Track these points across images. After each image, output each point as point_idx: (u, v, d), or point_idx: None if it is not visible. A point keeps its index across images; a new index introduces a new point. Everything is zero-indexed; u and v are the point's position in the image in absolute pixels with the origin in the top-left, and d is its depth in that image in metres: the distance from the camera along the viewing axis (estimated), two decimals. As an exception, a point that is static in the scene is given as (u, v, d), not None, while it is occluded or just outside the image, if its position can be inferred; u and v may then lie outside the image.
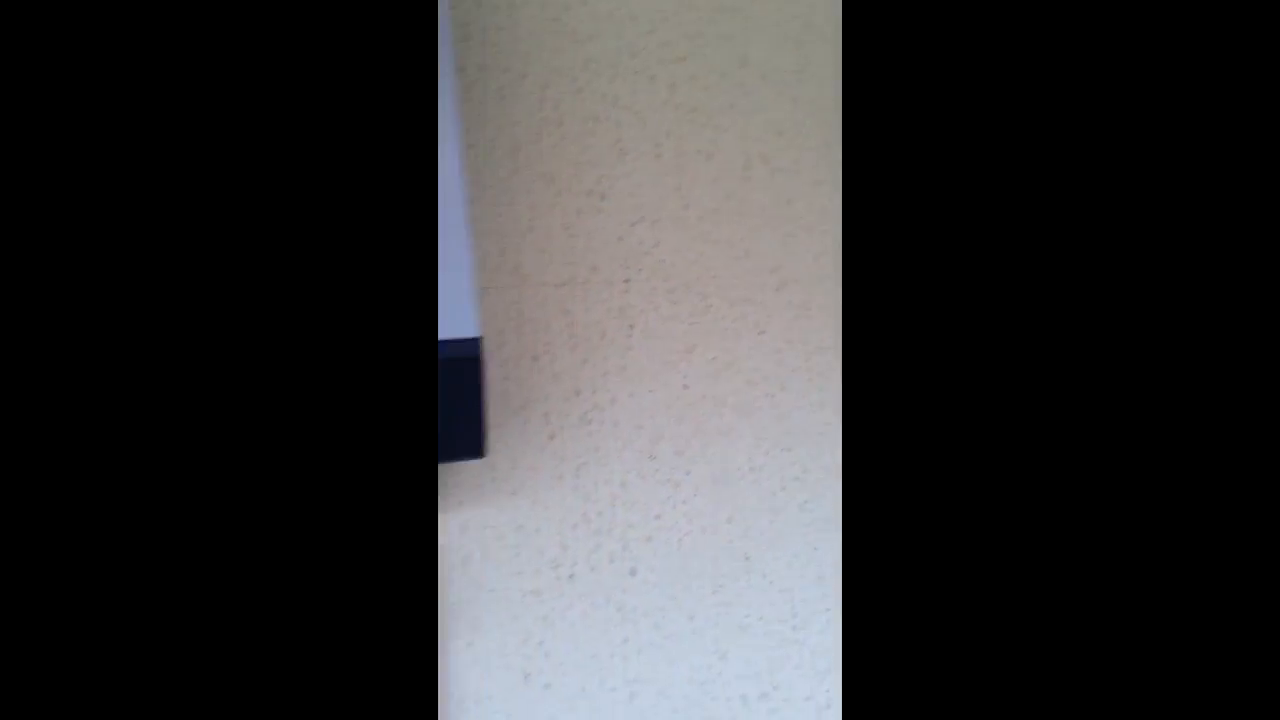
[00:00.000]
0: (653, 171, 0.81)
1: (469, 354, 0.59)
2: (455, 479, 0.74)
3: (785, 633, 0.83)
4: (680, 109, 0.82)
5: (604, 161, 0.80)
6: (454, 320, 0.59)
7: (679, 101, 0.82)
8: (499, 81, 0.76)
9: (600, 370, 0.79)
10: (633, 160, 0.80)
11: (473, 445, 0.59)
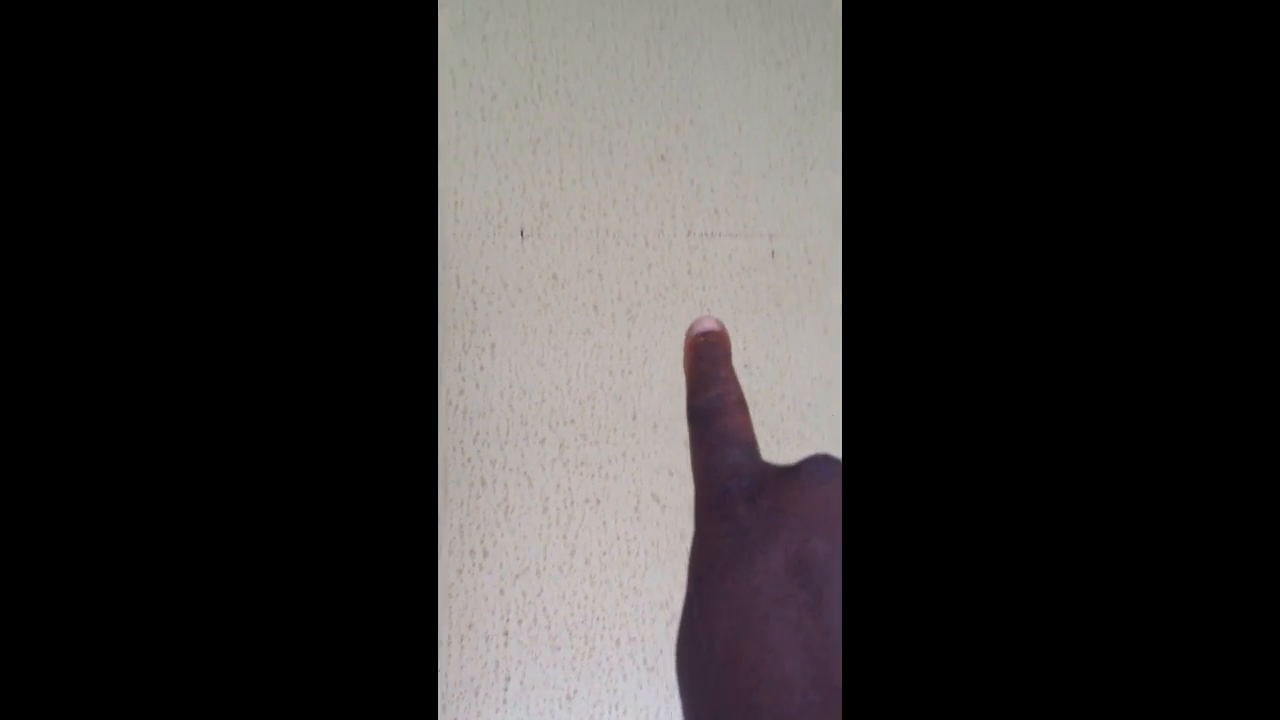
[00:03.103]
0: (538, 524, 0.86)
1: None
2: None
3: None
4: (569, 464, 0.89)
5: (489, 520, 0.86)
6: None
7: (568, 458, 0.90)
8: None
9: (473, 726, 0.78)
10: (518, 516, 0.86)
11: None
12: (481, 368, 0.92)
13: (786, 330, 1.01)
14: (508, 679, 0.79)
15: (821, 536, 0.22)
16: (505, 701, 0.78)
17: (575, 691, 0.80)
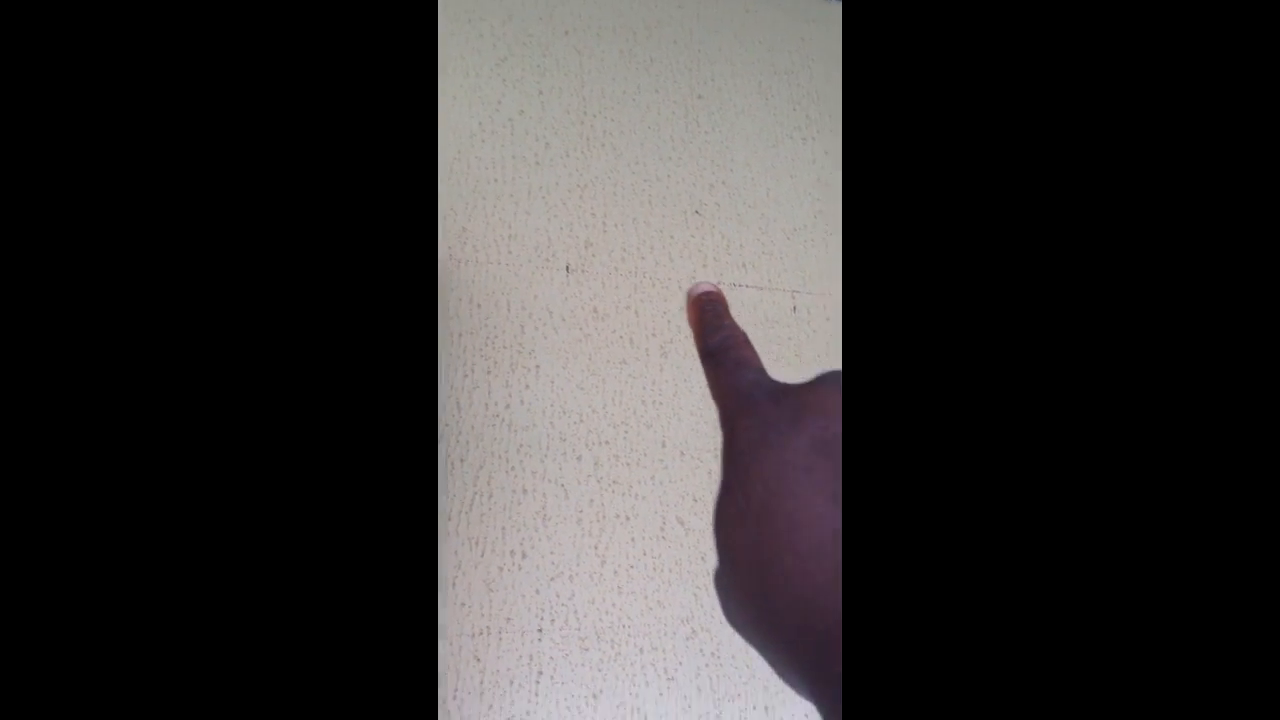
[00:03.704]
0: (573, 534, 0.93)
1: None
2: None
3: None
4: (603, 481, 0.96)
5: (529, 525, 0.92)
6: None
7: (601, 475, 0.96)
8: (440, 466, 0.94)
9: (506, 716, 0.82)
10: (555, 524, 0.93)
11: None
12: (527, 386, 0.99)
13: (806, 380, 1.10)
14: (539, 673, 0.85)
15: (840, 422, 0.24)
16: (537, 694, 0.84)
17: (600, 692, 0.85)
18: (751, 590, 0.24)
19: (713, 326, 0.31)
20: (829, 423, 0.24)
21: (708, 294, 0.32)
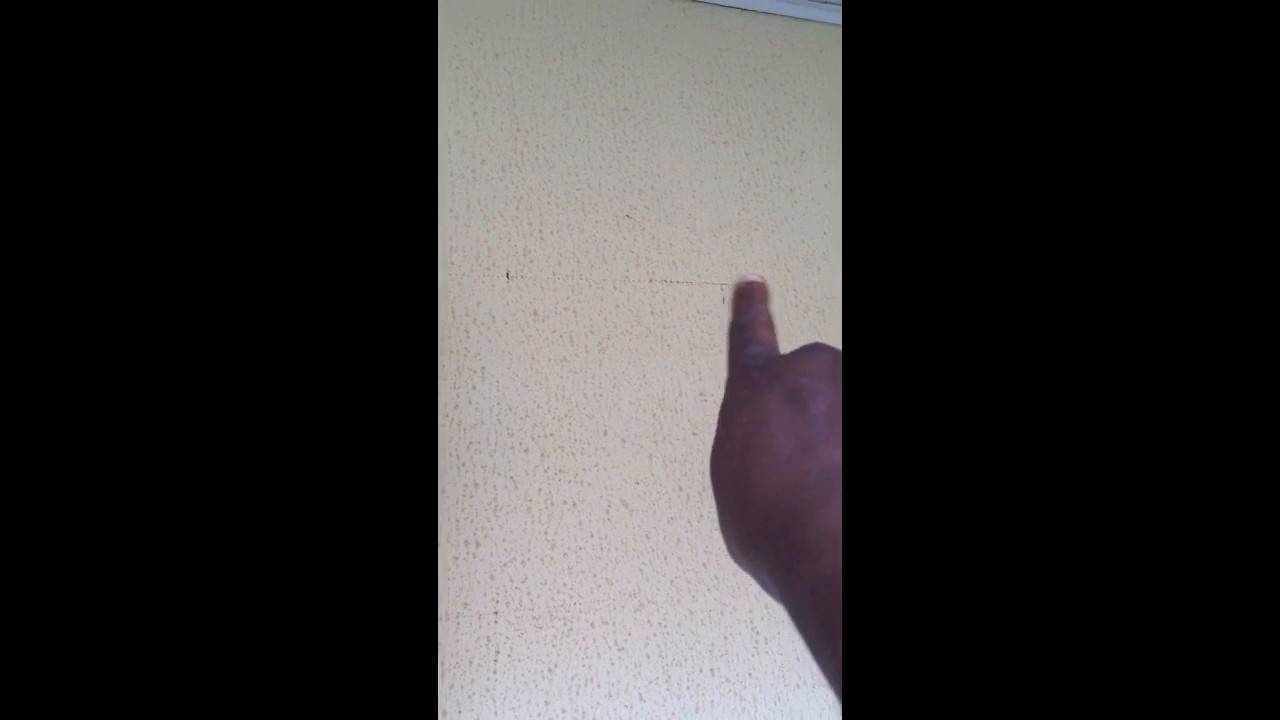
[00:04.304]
0: (523, 521, 0.98)
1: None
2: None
3: None
4: (549, 471, 1.02)
5: (481, 516, 0.98)
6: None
7: (548, 466, 1.02)
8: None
9: (467, 693, 0.87)
10: (506, 514, 0.98)
11: None
12: (474, 387, 1.05)
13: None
14: (497, 652, 0.90)
15: (809, 377, 0.29)
16: (495, 672, 0.89)
17: (555, 666, 0.91)
18: (734, 511, 0.29)
19: (744, 308, 0.35)
20: (799, 375, 0.29)
21: (750, 283, 0.36)
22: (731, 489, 0.29)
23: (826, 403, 0.28)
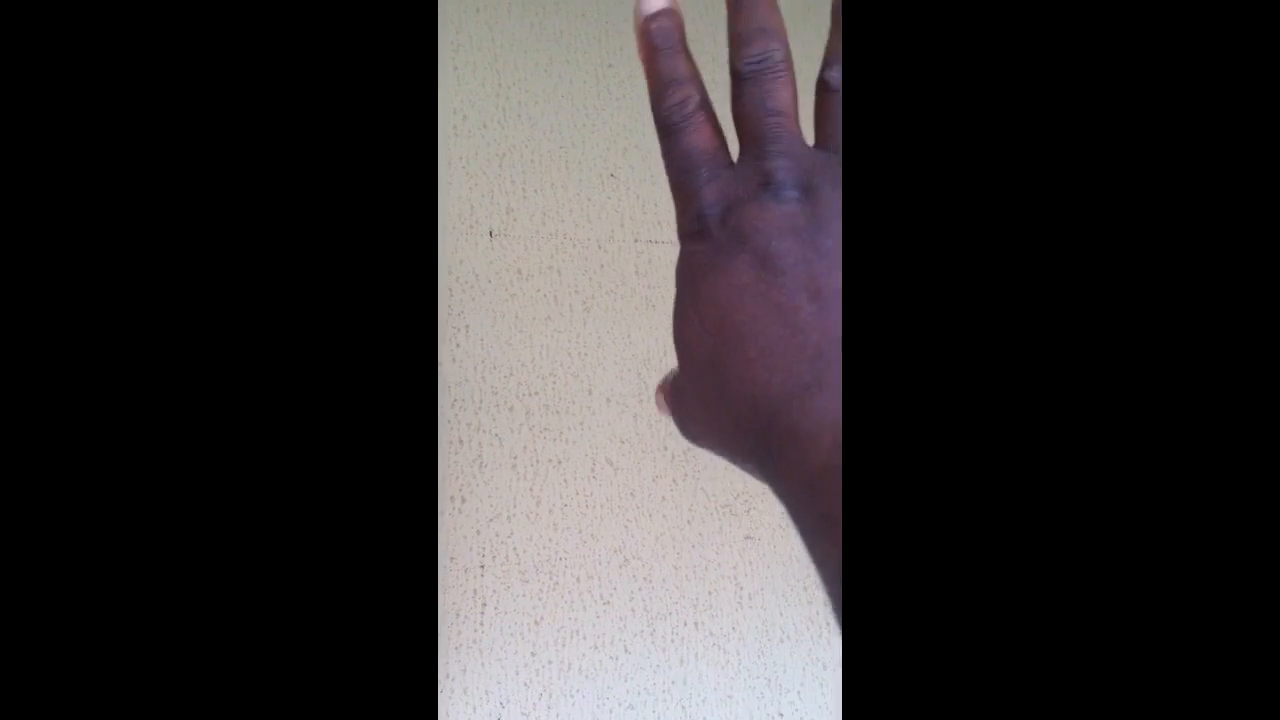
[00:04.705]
0: (509, 478, 0.98)
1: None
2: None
3: None
4: (534, 429, 1.02)
5: (466, 473, 0.98)
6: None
7: (533, 424, 1.02)
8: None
9: (454, 644, 0.88)
10: (491, 470, 0.98)
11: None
12: (458, 345, 1.04)
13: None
14: (484, 605, 0.91)
15: (779, 238, 0.25)
16: (482, 624, 0.90)
17: (541, 619, 0.92)
18: (709, 394, 0.26)
19: (664, 82, 0.28)
20: (769, 239, 0.25)
21: (657, 16, 0.28)
22: (708, 371, 0.26)
23: (796, 268, 0.25)
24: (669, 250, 1.20)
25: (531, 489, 0.99)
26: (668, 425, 0.99)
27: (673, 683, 0.93)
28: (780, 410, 0.23)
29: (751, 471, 0.26)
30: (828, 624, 1.00)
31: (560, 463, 1.01)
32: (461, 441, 0.99)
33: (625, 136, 1.27)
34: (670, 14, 0.28)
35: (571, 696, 0.89)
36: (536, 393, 1.05)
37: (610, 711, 0.90)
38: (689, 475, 1.04)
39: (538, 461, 1.00)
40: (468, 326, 1.06)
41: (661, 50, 0.28)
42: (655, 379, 1.08)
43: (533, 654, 0.90)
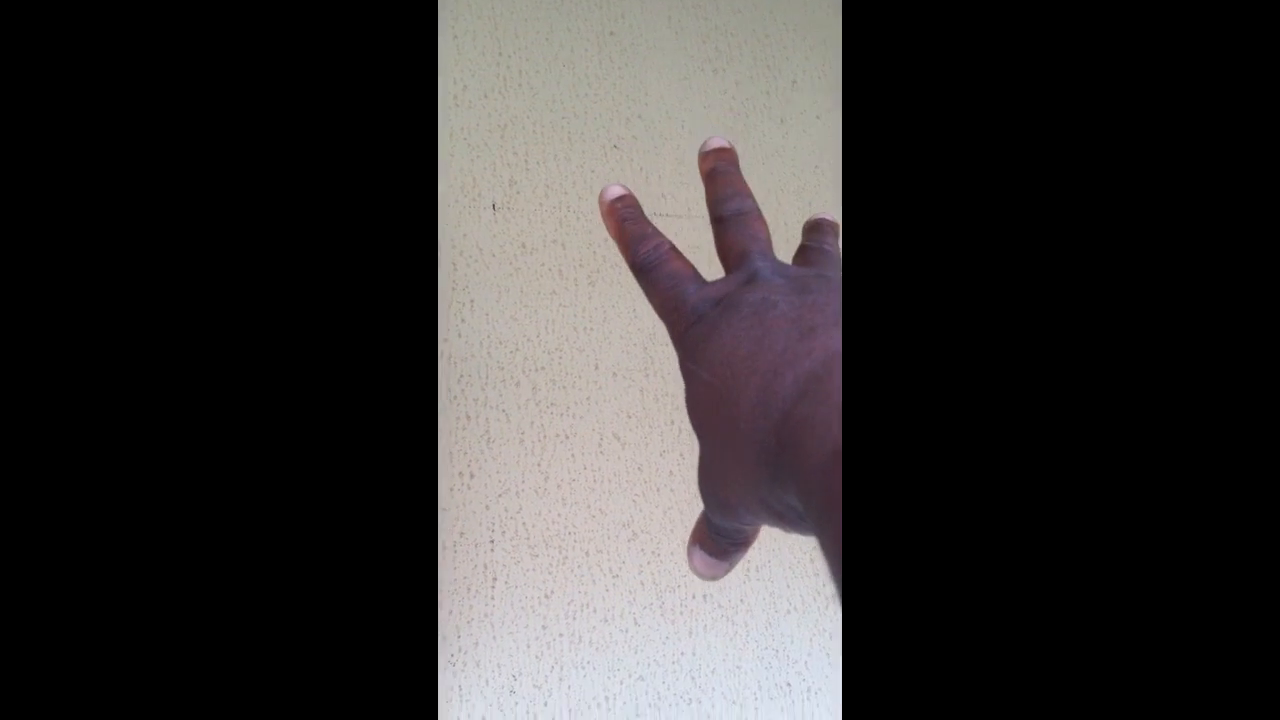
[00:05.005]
0: (516, 454, 0.99)
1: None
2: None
3: None
4: (541, 404, 1.02)
5: (474, 449, 0.98)
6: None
7: (540, 399, 1.02)
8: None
9: (465, 619, 0.89)
10: (499, 446, 0.98)
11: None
12: (463, 319, 1.04)
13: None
14: (494, 579, 0.91)
15: (772, 294, 0.27)
16: (493, 598, 0.90)
17: (551, 592, 0.92)
18: (727, 432, 0.26)
19: (636, 238, 0.31)
20: (763, 296, 0.27)
21: (620, 199, 0.32)
22: (721, 418, 0.27)
23: (782, 312, 0.26)
24: (673, 223, 1.19)
25: (539, 464, 0.99)
26: (674, 400, 0.99)
27: (682, 654, 0.95)
28: (795, 403, 0.24)
29: (784, 515, 0.25)
30: (833, 596, 1.01)
31: (568, 438, 1.01)
32: (469, 417, 0.99)
33: (628, 106, 1.26)
34: (629, 196, 0.32)
35: (583, 668, 0.90)
36: (543, 368, 1.04)
37: (621, 683, 0.91)
38: (696, 450, 1.04)
39: (545, 437, 1.00)
40: (472, 301, 1.05)
41: (628, 219, 0.32)
42: (662, 353, 1.07)
43: (544, 627, 0.90)
